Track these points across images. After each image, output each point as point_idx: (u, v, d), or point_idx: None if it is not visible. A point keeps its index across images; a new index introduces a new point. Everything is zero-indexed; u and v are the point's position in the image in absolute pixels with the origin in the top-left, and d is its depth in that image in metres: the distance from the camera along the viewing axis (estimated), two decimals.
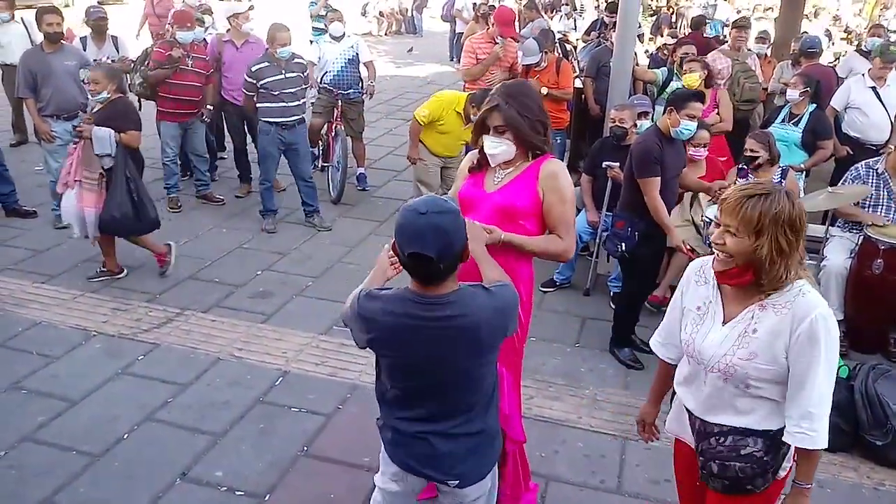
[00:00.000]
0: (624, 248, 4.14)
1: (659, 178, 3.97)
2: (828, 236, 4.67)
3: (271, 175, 6.01)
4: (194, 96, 6.23)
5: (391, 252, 2.10)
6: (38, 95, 5.64)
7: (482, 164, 2.65)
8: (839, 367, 3.69)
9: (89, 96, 5.83)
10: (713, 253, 1.97)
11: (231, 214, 6.43)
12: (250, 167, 6.91)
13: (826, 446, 1.89)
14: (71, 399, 3.73)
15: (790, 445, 1.97)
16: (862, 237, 4.36)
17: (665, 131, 4.07)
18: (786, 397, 1.92)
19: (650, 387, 2.45)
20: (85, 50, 6.27)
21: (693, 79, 5.64)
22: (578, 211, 5.34)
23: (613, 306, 4.69)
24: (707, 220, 4.59)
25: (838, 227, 4.68)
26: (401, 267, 2.05)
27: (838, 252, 4.50)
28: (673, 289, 2.55)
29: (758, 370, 1.92)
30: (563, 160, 6.54)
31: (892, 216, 4.45)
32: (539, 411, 3.81)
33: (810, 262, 4.55)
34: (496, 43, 6.18)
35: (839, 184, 4.73)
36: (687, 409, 2.15)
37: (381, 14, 22.02)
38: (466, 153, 3.11)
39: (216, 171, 7.35)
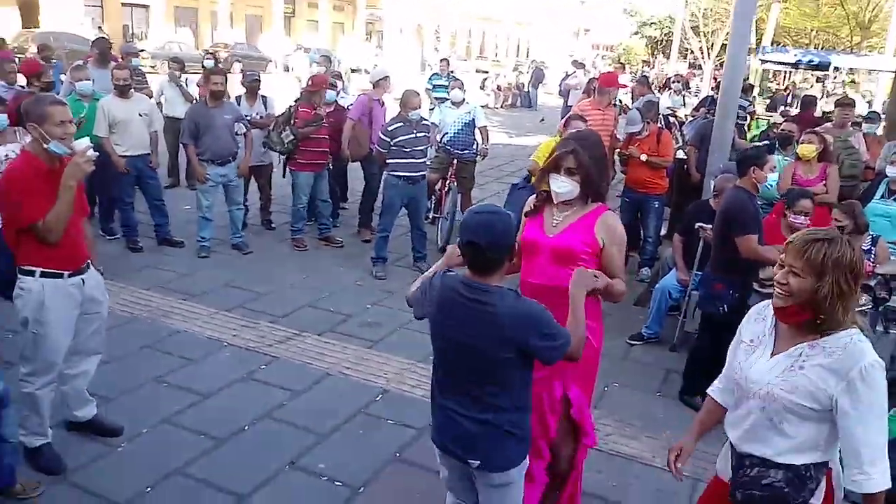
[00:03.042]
0: (726, 308, 4.29)
1: (757, 235, 4.18)
2: None
3: (390, 225, 6.61)
4: (326, 148, 7.05)
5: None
6: (198, 143, 6.57)
7: (539, 208, 2.91)
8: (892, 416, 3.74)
9: (241, 146, 6.77)
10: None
11: (349, 256, 7.09)
12: (373, 215, 7.63)
13: (888, 486, 1.99)
14: (203, 394, 4.32)
15: (817, 483, 2.08)
16: None
17: (752, 190, 4.31)
18: (840, 443, 2.04)
19: (696, 419, 2.53)
20: (239, 106, 7.24)
21: (809, 149, 5.79)
22: (669, 270, 5.60)
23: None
24: None
25: None
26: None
27: None
28: None
29: (794, 405, 2.04)
30: (661, 226, 6.84)
31: None
32: (615, 447, 4.04)
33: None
34: (600, 111, 6.64)
35: None
36: (731, 445, 2.27)
37: (498, 88, 23.09)
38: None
39: (338, 218, 8.10)
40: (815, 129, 6.54)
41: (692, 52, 30.38)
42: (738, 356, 2.25)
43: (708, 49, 26.37)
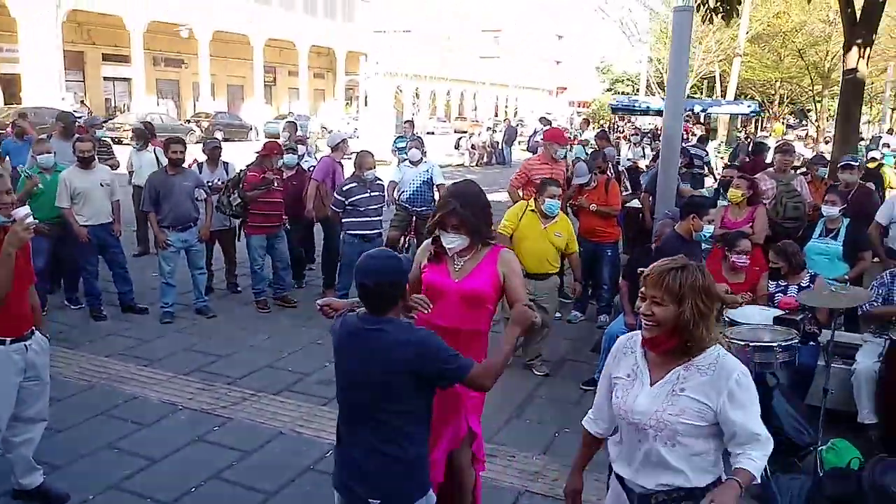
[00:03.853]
0: None
1: None
2: (862, 342, 4.80)
3: (349, 283, 6.71)
4: (279, 211, 7.21)
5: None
6: (159, 209, 6.70)
7: (440, 255, 3.09)
8: (851, 460, 3.82)
9: (201, 211, 6.90)
10: None
11: (311, 315, 7.13)
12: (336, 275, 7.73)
13: (759, 471, 2.15)
14: (153, 458, 4.32)
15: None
16: (888, 341, 4.48)
17: (686, 235, 4.49)
18: (728, 440, 2.18)
19: (574, 459, 2.62)
20: (201, 173, 7.42)
21: (736, 194, 6.03)
22: (619, 314, 5.72)
23: None
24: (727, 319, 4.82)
25: (869, 332, 4.82)
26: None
27: (867, 356, 4.61)
28: None
29: (685, 426, 2.15)
30: (617, 273, 6.98)
31: None
32: (561, 492, 4.06)
33: (842, 366, 4.66)
34: (546, 164, 6.87)
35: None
36: (625, 487, 2.32)
37: (472, 147, 23.59)
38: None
39: (304, 279, 8.20)
40: (745, 174, 6.82)
41: None
42: (617, 392, 2.31)
43: None
